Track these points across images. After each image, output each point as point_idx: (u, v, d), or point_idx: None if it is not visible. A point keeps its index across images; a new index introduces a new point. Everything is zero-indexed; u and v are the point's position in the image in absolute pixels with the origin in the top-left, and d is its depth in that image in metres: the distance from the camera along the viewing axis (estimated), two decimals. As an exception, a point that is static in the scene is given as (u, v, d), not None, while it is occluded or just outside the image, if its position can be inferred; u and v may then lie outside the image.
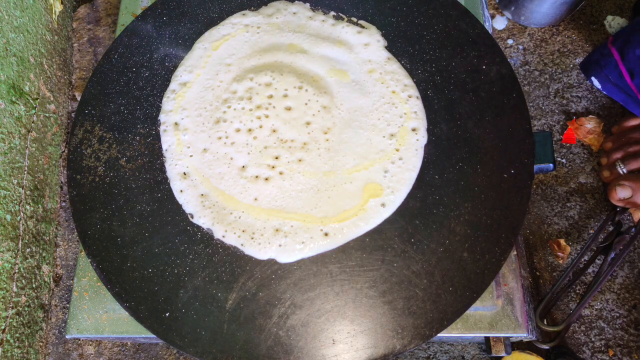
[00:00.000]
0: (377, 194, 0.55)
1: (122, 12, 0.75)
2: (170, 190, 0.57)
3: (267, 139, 0.58)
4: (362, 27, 0.65)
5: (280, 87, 0.61)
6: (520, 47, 0.81)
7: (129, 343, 0.67)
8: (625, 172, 0.67)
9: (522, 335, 0.55)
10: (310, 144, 0.58)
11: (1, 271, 0.58)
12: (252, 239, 0.53)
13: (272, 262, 0.53)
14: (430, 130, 0.58)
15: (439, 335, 0.50)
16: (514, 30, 0.82)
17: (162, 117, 0.61)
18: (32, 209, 0.66)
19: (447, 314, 0.49)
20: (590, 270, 0.66)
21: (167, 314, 0.51)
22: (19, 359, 0.60)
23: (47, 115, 0.73)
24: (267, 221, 0.54)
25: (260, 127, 0.59)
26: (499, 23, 0.83)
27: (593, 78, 0.64)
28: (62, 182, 0.75)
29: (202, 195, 0.56)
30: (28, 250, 0.64)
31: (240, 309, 0.51)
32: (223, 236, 0.54)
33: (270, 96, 0.60)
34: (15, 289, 0.61)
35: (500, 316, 0.55)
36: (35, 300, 0.65)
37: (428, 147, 0.57)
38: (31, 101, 0.69)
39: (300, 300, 0.51)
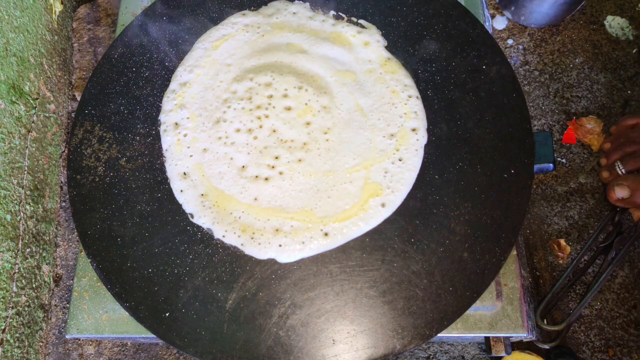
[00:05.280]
0: (377, 194, 0.55)
1: (122, 12, 0.75)
2: (170, 190, 0.57)
3: (267, 139, 0.58)
4: (362, 27, 0.65)
5: (280, 87, 0.61)
6: (520, 47, 0.81)
7: (129, 343, 0.67)
8: (624, 172, 0.67)
9: (522, 335, 0.55)
10: (310, 144, 0.58)
11: (1, 271, 0.58)
12: (252, 239, 0.53)
13: (272, 262, 0.53)
14: (430, 130, 0.58)
15: (439, 335, 0.50)
16: (514, 30, 0.82)
17: (162, 117, 0.61)
18: (32, 209, 0.66)
19: (447, 314, 0.49)
20: (590, 270, 0.66)
21: (167, 314, 0.51)
22: (19, 359, 0.60)
23: (47, 115, 0.73)
24: (267, 221, 0.54)
25: (260, 127, 0.59)
26: (499, 23, 0.83)
27: None
28: (62, 182, 0.75)
29: (202, 195, 0.56)
30: (28, 250, 0.64)
31: (240, 309, 0.51)
32: (223, 236, 0.54)
33: (270, 96, 0.60)
34: (15, 289, 0.61)
35: (500, 316, 0.55)
36: (35, 300, 0.65)
37: (428, 147, 0.57)
38: (31, 101, 0.69)
39: (300, 300, 0.51)
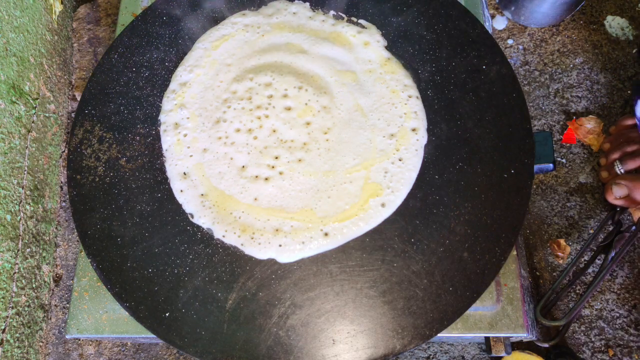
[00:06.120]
0: (377, 194, 0.55)
1: (122, 12, 0.75)
2: (170, 190, 0.57)
3: (267, 139, 0.58)
4: (362, 26, 0.65)
5: (280, 87, 0.61)
6: (520, 47, 0.81)
7: (129, 343, 0.67)
8: (623, 172, 0.67)
9: (522, 335, 0.55)
10: (310, 144, 0.58)
11: (1, 271, 0.58)
12: (252, 239, 0.53)
13: (272, 262, 0.53)
14: (430, 130, 0.58)
15: (439, 335, 0.50)
16: (514, 30, 0.82)
17: (162, 117, 0.61)
18: (32, 209, 0.66)
19: (447, 314, 0.49)
20: (590, 270, 0.66)
21: (167, 314, 0.51)
22: (19, 359, 0.60)
23: (47, 115, 0.73)
24: (267, 221, 0.54)
25: (260, 127, 0.59)
26: (499, 23, 0.83)
27: (639, 101, 0.62)
28: (62, 182, 0.75)
29: (202, 195, 0.56)
30: (28, 250, 0.64)
31: (240, 309, 0.51)
32: (223, 236, 0.54)
33: (270, 96, 0.60)
34: (15, 289, 0.61)
35: (500, 316, 0.55)
36: (35, 300, 0.65)
37: (428, 147, 0.57)
38: (31, 101, 0.69)
39: (300, 300, 0.51)
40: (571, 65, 0.79)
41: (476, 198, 0.54)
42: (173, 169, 0.58)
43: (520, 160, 0.55)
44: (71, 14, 0.85)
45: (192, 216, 0.55)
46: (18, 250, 0.62)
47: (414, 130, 0.58)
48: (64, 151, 0.76)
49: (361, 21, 0.65)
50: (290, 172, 0.56)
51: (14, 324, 0.60)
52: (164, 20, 0.67)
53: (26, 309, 0.63)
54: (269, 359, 0.49)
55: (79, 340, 0.67)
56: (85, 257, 0.60)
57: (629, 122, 0.70)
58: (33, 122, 0.69)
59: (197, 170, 0.58)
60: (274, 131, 0.58)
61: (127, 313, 0.53)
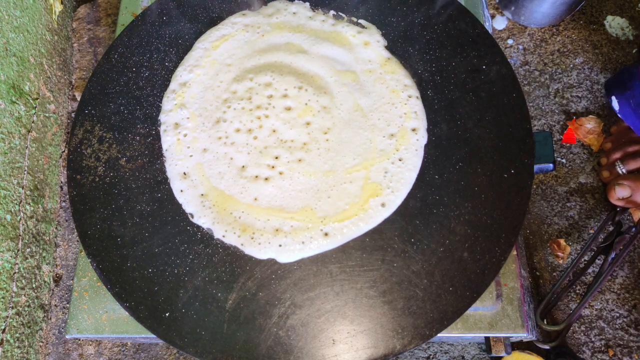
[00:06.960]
0: (377, 194, 0.55)
1: (122, 12, 0.75)
2: (170, 190, 0.57)
3: (267, 139, 0.58)
4: (362, 26, 0.65)
5: (280, 87, 0.61)
6: (520, 47, 0.81)
7: (129, 343, 0.67)
8: (624, 172, 0.67)
9: (522, 335, 0.55)
10: (310, 144, 0.58)
11: (1, 271, 0.58)
12: (252, 239, 0.53)
13: (272, 262, 0.53)
14: (430, 130, 0.58)
15: (439, 335, 0.50)
16: (514, 30, 0.82)
17: (162, 117, 0.61)
18: (32, 209, 0.66)
19: (447, 314, 0.49)
20: (590, 270, 0.66)
21: (167, 314, 0.51)
22: (19, 359, 0.60)
23: (47, 115, 0.73)
24: (267, 221, 0.54)
25: (260, 127, 0.59)
26: (499, 23, 0.83)
27: (613, 97, 0.64)
28: (62, 182, 0.75)
29: (202, 195, 0.56)
30: (28, 250, 0.64)
31: (240, 309, 0.51)
32: (223, 236, 0.54)
33: (270, 96, 0.60)
34: (15, 289, 0.61)
35: (500, 316, 0.55)
36: (35, 300, 0.65)
37: (428, 147, 0.57)
38: (31, 101, 0.69)
39: (300, 300, 0.51)
40: (571, 65, 0.79)
41: (476, 198, 0.54)
42: (173, 169, 0.58)
43: (520, 160, 0.55)
44: (71, 14, 0.85)
45: (192, 216, 0.55)
46: (18, 250, 0.62)
47: (414, 130, 0.58)
48: (64, 151, 0.76)
49: (361, 21, 0.65)
50: (290, 172, 0.56)
51: (14, 324, 0.60)
52: (164, 20, 0.67)
53: (26, 309, 0.63)
54: (269, 359, 0.49)
55: (79, 340, 0.67)
56: (85, 257, 0.60)
57: (630, 122, 0.70)
58: (33, 122, 0.69)
59: (197, 170, 0.58)
60: (274, 131, 0.58)
61: (127, 313, 0.53)
